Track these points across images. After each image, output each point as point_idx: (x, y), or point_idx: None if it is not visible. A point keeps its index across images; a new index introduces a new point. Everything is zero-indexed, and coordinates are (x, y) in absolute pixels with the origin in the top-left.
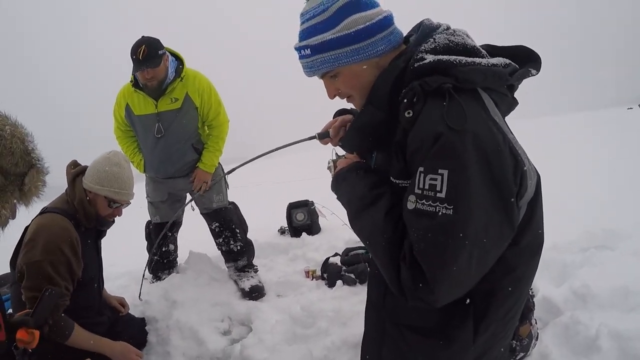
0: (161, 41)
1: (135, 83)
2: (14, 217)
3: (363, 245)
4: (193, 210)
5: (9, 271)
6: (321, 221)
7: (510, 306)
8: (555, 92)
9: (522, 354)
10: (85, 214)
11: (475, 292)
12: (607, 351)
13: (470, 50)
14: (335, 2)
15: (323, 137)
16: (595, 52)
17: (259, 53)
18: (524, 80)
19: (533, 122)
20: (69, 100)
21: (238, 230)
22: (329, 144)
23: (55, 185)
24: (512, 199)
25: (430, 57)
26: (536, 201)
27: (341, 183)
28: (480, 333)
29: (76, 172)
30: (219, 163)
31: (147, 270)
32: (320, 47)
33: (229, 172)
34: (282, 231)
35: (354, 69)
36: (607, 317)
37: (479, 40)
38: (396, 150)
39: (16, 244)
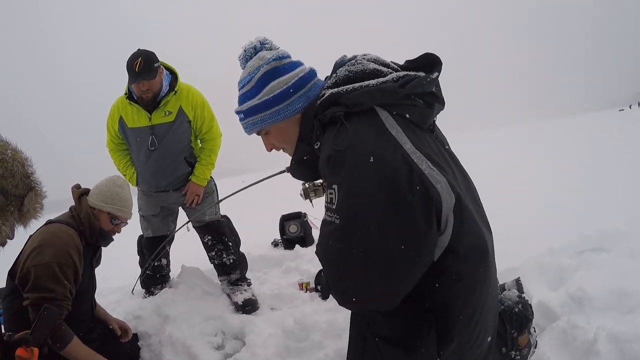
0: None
1: (129, 95)
2: (12, 237)
3: None
4: (188, 230)
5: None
6: (314, 233)
7: (471, 314)
8: (545, 97)
9: None
10: (90, 226)
11: (432, 302)
12: (605, 354)
13: (369, 74)
14: (257, 72)
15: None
16: (585, 54)
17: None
18: (516, 87)
19: (527, 128)
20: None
21: (231, 244)
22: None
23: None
24: (407, 205)
25: (328, 92)
26: (461, 207)
27: None
28: (445, 343)
29: (80, 192)
30: (211, 177)
31: (139, 280)
32: (249, 112)
33: (226, 197)
34: (275, 244)
35: (279, 127)
36: (604, 320)
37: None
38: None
39: (17, 255)
